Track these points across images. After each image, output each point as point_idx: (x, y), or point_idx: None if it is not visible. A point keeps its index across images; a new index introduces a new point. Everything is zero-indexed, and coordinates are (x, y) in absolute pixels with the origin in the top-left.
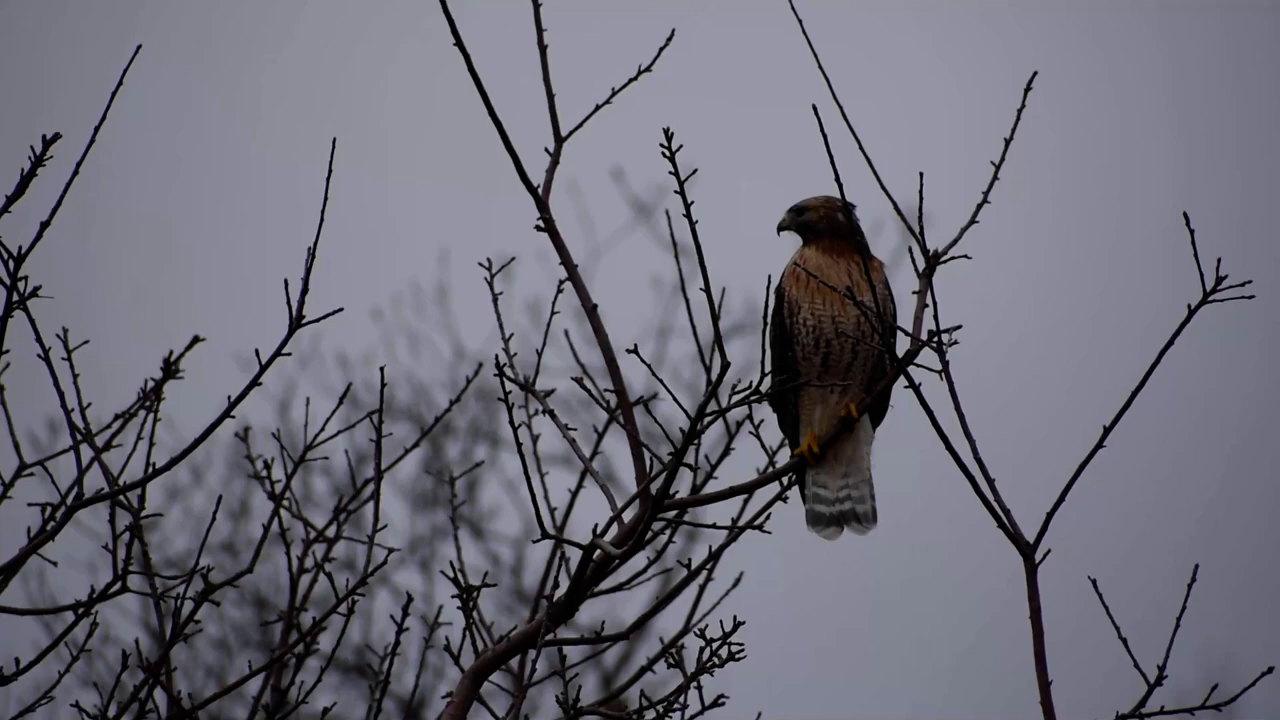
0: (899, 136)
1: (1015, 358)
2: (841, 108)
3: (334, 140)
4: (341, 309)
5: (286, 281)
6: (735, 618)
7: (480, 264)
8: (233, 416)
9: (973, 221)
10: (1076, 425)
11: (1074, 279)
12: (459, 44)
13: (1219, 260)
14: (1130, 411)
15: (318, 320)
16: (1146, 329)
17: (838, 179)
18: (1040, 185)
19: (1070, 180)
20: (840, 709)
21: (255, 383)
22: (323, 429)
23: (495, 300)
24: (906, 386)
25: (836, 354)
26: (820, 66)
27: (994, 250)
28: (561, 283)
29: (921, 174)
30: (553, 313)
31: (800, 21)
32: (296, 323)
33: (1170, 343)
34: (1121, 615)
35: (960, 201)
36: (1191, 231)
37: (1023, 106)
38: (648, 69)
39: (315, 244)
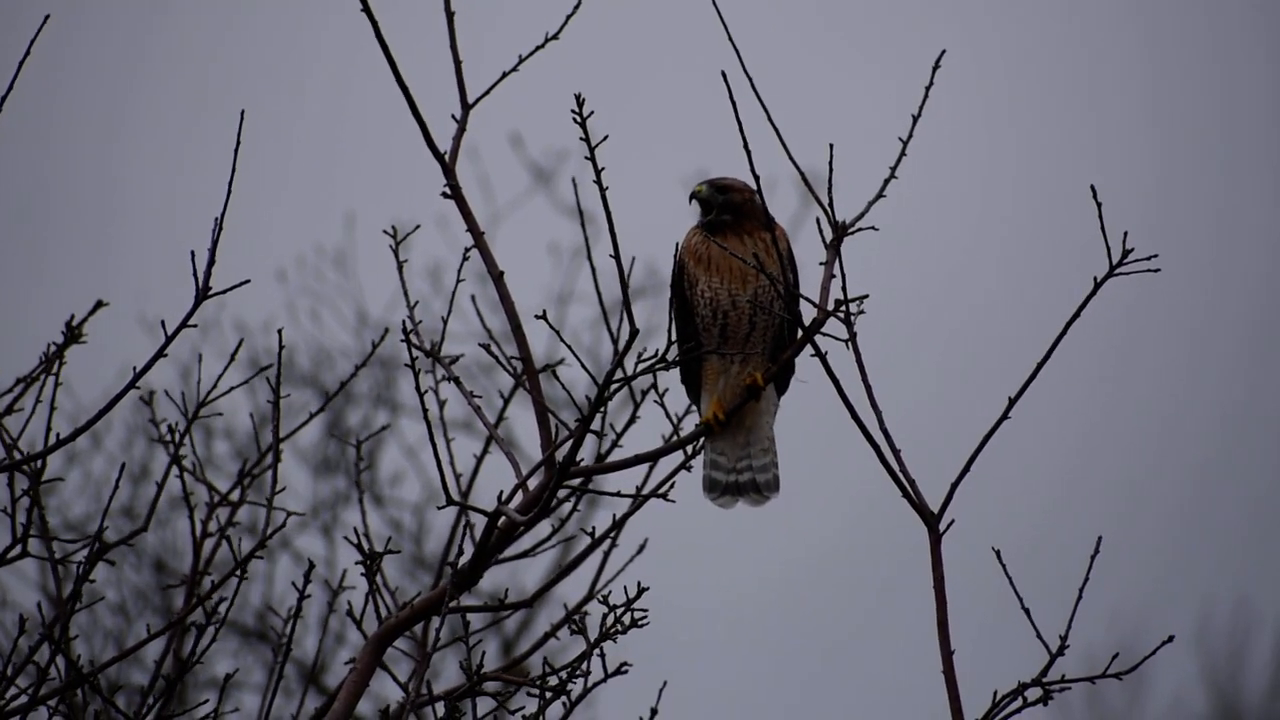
0: (819, 107)
1: (923, 328)
2: (749, 76)
3: (242, 112)
4: (248, 281)
5: (193, 253)
6: (639, 584)
7: (385, 232)
8: (137, 387)
9: (880, 195)
10: (985, 397)
11: (983, 250)
12: (366, 9)
13: (1125, 234)
14: (1041, 383)
15: (224, 292)
16: (1057, 302)
17: (746, 146)
18: (953, 157)
19: (982, 151)
20: (744, 678)
21: (160, 354)
22: (215, 385)
23: (400, 268)
24: (813, 355)
25: (734, 325)
26: (729, 34)
27: (904, 221)
28: (468, 250)
29: (831, 145)
30: (458, 280)
31: None
32: (203, 294)
33: (1076, 315)
34: (1036, 586)
35: (881, 173)
36: (1099, 205)
37: (931, 84)
38: (554, 37)
39: (222, 216)
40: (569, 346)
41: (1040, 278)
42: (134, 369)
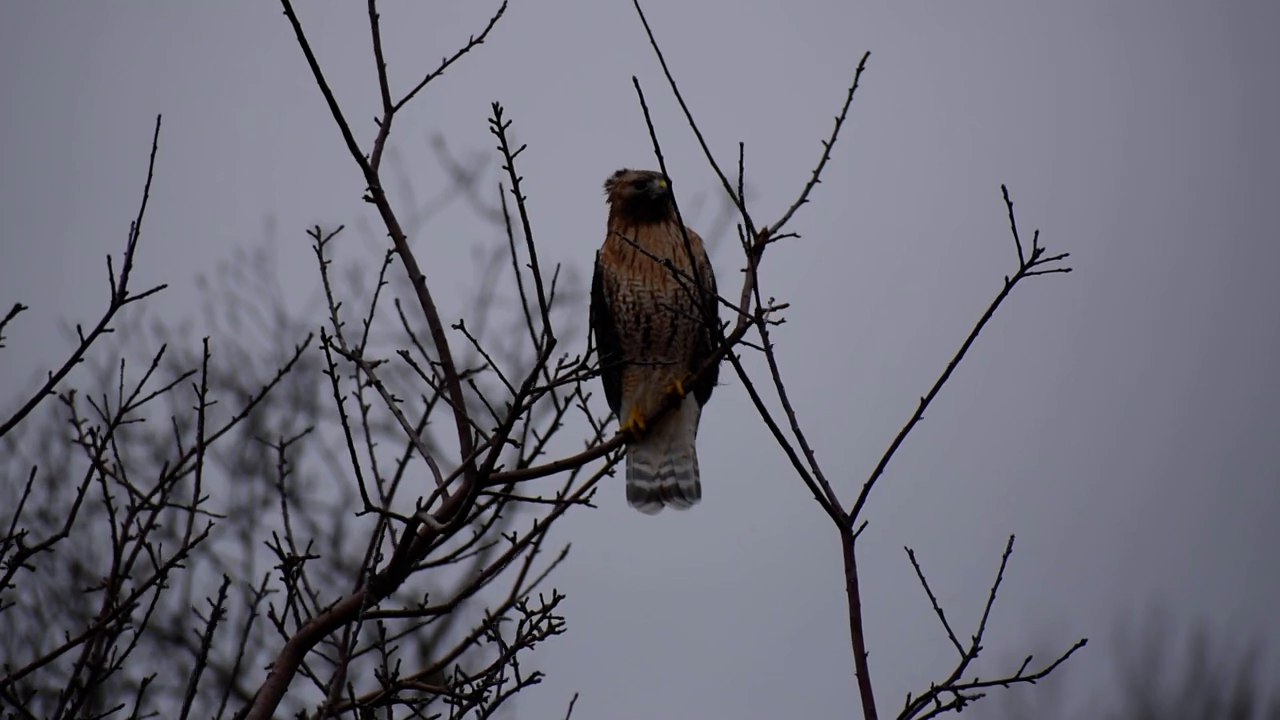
0: (747, 111)
1: (839, 329)
2: (673, 81)
3: (159, 117)
4: (165, 285)
5: (110, 257)
6: (555, 591)
7: (309, 231)
8: (54, 392)
9: (803, 200)
10: (901, 398)
11: (900, 254)
12: (289, 11)
13: (1036, 233)
14: (956, 383)
15: (140, 296)
16: (973, 302)
17: (658, 151)
18: (873, 160)
19: (902, 155)
20: (662, 687)
21: (77, 358)
22: (139, 390)
23: (324, 269)
24: (727, 359)
25: (657, 329)
26: (651, 38)
27: (824, 225)
28: (390, 253)
29: (742, 144)
30: (380, 283)
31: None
32: (120, 298)
33: (988, 315)
34: (952, 587)
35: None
36: (1010, 205)
37: (855, 86)
38: (479, 40)
39: (139, 220)
40: (487, 357)
41: (956, 278)
42: (50, 373)
